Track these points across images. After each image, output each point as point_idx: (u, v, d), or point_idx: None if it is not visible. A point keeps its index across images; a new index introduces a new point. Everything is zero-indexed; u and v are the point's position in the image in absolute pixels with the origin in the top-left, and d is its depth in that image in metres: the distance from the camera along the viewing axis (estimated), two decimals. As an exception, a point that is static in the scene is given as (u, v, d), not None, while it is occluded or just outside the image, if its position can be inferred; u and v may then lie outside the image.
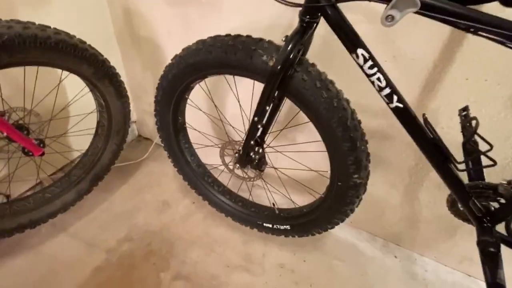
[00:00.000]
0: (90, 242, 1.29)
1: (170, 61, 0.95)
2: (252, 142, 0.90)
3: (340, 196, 0.87)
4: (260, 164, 0.95)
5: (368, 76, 0.69)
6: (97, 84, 1.06)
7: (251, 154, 0.93)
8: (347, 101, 0.80)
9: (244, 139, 0.92)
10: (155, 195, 1.56)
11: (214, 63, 0.84)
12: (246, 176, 1.06)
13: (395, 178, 1.17)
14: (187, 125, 1.17)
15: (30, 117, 1.00)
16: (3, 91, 0.96)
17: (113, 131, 1.24)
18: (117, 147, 1.31)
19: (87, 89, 1.14)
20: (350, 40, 0.68)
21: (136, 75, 1.55)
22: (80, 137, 1.28)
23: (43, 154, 0.99)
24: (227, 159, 1.12)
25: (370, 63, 0.68)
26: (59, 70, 1.00)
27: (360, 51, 0.67)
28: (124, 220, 1.39)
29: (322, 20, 0.71)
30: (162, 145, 1.22)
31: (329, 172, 0.89)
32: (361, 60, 0.68)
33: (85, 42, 0.97)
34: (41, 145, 0.98)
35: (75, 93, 1.18)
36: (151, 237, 1.35)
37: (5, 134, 0.82)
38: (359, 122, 0.81)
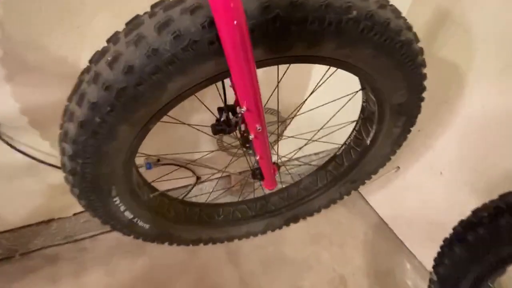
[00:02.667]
0: (245, 280, 0.99)
1: None
2: None
3: None
4: None
5: None
6: (387, 119, 0.64)
7: None
8: None
9: None
10: (334, 258, 1.14)
11: None
12: None
13: None
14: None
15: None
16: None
17: (348, 178, 0.84)
18: (339, 196, 0.91)
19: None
20: None
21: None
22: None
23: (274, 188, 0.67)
24: None
25: None
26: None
27: None
28: (290, 273, 1.04)
29: None
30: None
31: None
32: None
33: (423, 54, 0.54)
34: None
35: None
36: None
37: (254, 151, 0.51)
38: None
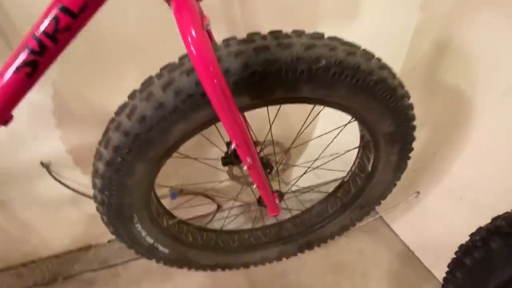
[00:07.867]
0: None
1: None
2: None
3: None
4: None
5: None
6: (382, 147, 0.68)
7: None
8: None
9: None
10: (356, 289, 1.11)
11: None
12: None
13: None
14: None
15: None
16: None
17: (357, 204, 0.86)
18: (350, 223, 0.93)
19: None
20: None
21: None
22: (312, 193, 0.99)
23: (277, 214, 0.73)
24: None
25: None
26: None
27: None
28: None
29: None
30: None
31: None
32: None
33: (404, 87, 0.60)
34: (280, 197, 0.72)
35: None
36: None
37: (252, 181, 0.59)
38: None
